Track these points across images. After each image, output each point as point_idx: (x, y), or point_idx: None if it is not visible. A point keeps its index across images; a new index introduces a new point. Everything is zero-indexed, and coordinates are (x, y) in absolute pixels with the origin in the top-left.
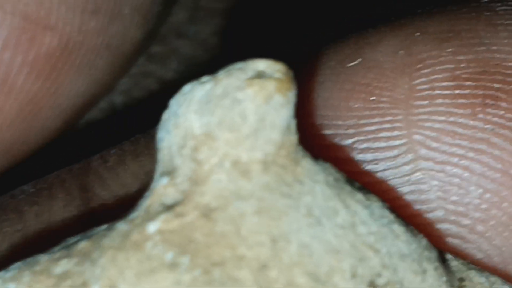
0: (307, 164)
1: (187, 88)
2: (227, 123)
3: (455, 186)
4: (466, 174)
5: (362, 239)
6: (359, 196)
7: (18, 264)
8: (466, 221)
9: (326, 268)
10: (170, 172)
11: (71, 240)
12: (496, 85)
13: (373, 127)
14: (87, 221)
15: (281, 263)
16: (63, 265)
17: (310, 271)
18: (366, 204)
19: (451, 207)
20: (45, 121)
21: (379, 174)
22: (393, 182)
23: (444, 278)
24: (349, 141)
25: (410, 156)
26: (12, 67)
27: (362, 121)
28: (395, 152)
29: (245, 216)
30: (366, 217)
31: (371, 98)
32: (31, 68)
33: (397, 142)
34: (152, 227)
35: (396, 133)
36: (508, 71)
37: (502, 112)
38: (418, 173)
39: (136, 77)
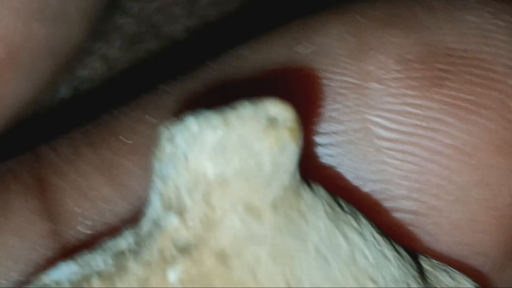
0: (308, 198)
1: (194, 127)
2: (243, 172)
3: (412, 164)
4: (422, 152)
5: (362, 272)
6: (352, 221)
7: None
8: (424, 198)
9: None
10: (179, 211)
11: (72, 268)
12: (442, 66)
13: (331, 114)
14: (47, 211)
15: None
16: None
17: None
18: (359, 231)
19: (410, 184)
20: None
21: (337, 162)
22: (354, 167)
23: None
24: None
25: (368, 138)
26: None
27: (318, 110)
28: (352, 137)
29: (260, 262)
30: (362, 246)
31: (324, 84)
32: None
33: (356, 126)
34: (173, 275)
35: (353, 116)
36: (451, 53)
37: (450, 92)
38: (378, 155)
39: (79, 55)
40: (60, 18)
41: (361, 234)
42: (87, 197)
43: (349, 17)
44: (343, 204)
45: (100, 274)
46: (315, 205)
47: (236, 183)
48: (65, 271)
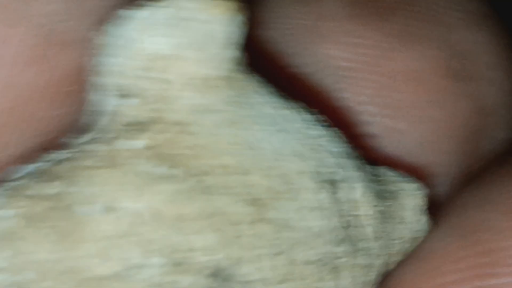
0: (257, 78)
1: (143, 13)
2: (196, 44)
3: (371, 89)
4: (379, 78)
5: (316, 142)
6: (295, 103)
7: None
8: (385, 121)
9: (296, 169)
10: (136, 94)
11: (34, 165)
12: (388, 5)
13: (290, 50)
14: None
15: (260, 168)
16: (52, 188)
17: (284, 173)
18: (305, 110)
19: (371, 109)
20: None
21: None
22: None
23: (371, 174)
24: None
25: (330, 68)
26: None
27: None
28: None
29: (220, 128)
30: (312, 122)
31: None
32: (53, 92)
33: (315, 58)
34: (137, 144)
35: (313, 51)
36: None
37: (397, 25)
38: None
39: None
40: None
41: (309, 113)
42: None
43: None
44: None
45: (64, 160)
46: (265, 84)
47: (190, 56)
48: (28, 168)
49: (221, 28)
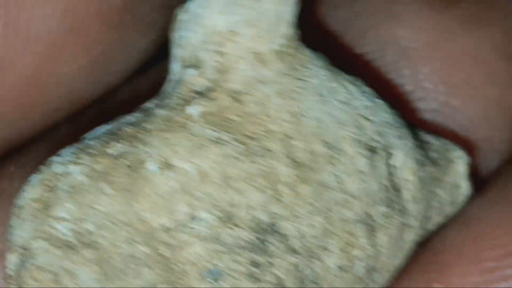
0: (309, 53)
1: None
2: (249, 21)
3: (433, 68)
4: (441, 57)
5: (358, 112)
6: (348, 77)
7: (69, 150)
8: (442, 97)
9: (336, 137)
10: (196, 65)
11: (104, 128)
12: None
13: (360, 29)
14: None
15: (302, 134)
16: (115, 148)
17: (325, 140)
18: (355, 84)
19: (431, 86)
20: (111, 75)
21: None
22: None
23: (416, 141)
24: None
25: (392, 48)
26: (85, 18)
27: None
28: (380, 46)
29: (268, 98)
30: (358, 94)
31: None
32: (103, 19)
33: (382, 38)
34: (194, 110)
35: (379, 31)
36: None
37: (461, 11)
38: (405, 61)
39: None
40: None
41: (359, 87)
42: None
43: None
44: (344, 72)
45: (130, 123)
46: (316, 58)
47: (244, 31)
48: (101, 129)
49: (273, 7)
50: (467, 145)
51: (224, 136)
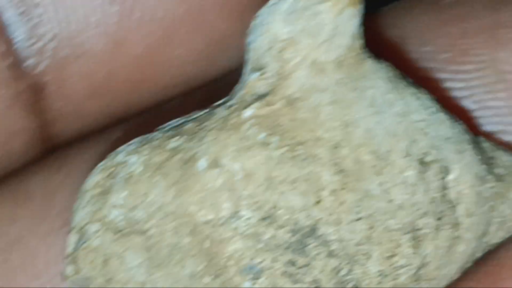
0: (371, 63)
1: (272, 1)
2: (308, 30)
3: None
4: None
5: (414, 125)
6: (412, 89)
7: (138, 139)
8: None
9: (386, 148)
10: (260, 69)
11: (177, 122)
12: None
13: (463, 47)
14: None
15: (351, 143)
16: (174, 142)
17: (373, 150)
18: (417, 96)
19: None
20: (225, 61)
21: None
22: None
23: (479, 157)
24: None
25: (491, 70)
26: (204, 6)
27: (455, 42)
28: (480, 65)
29: (322, 106)
30: (418, 107)
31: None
32: (223, 9)
33: (483, 58)
34: (247, 112)
35: (482, 51)
36: None
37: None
38: (499, 84)
39: None
40: None
41: (419, 99)
42: None
43: None
44: (409, 80)
45: (195, 119)
46: (377, 69)
47: (303, 39)
48: (174, 122)
49: (332, 18)
50: None
51: (273, 139)
